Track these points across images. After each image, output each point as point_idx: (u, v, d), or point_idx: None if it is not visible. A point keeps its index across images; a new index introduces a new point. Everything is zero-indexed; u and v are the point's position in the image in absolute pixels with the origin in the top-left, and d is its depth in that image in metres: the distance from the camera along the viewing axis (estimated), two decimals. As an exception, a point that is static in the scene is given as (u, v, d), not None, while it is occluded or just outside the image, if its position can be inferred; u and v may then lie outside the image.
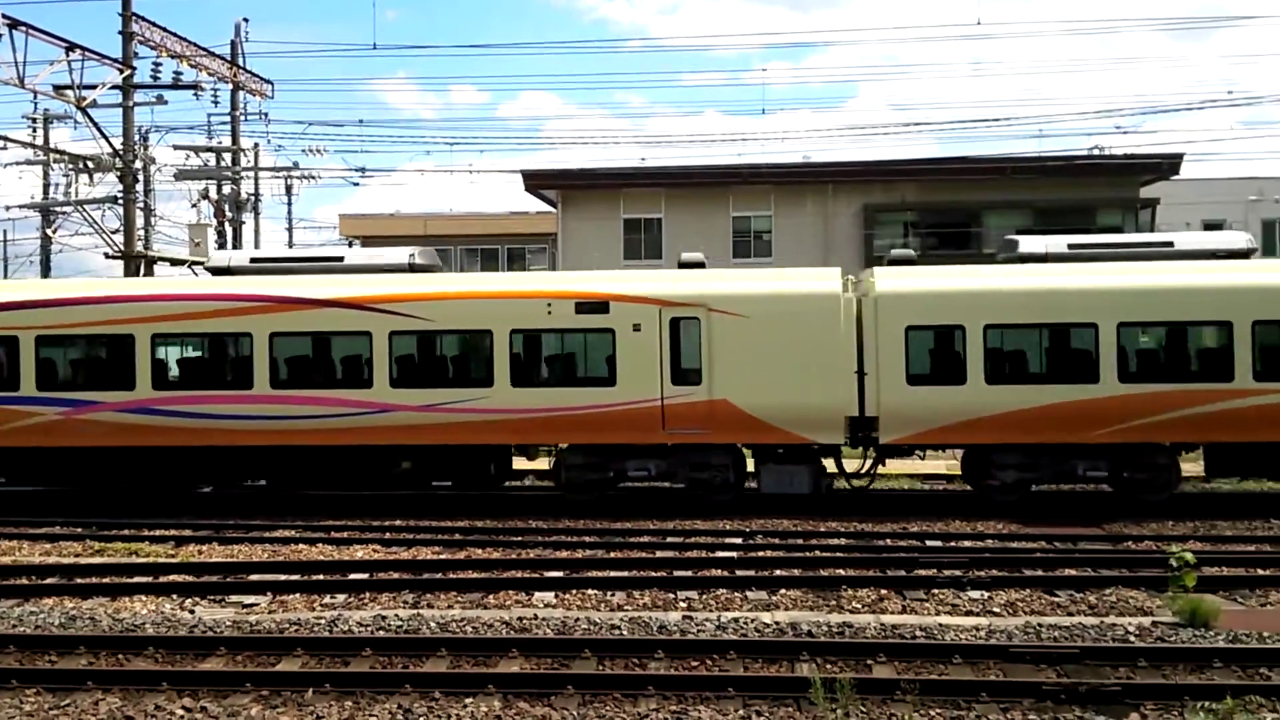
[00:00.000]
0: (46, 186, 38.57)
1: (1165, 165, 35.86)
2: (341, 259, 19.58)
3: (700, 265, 18.96)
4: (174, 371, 18.64)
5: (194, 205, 36.80)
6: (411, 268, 19.01)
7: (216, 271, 19.52)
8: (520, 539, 15.85)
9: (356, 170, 62.53)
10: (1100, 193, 36.08)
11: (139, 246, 31.00)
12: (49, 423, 18.36)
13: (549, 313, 17.82)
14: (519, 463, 20.36)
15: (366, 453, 18.33)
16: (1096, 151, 39.87)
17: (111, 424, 18.24)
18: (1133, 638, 10.46)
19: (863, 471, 18.66)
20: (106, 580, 13.59)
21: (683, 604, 12.11)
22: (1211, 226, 42.98)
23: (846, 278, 18.13)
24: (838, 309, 17.47)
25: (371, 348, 17.97)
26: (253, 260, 19.59)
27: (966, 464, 19.05)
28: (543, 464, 20.41)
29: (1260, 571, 13.28)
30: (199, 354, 18.76)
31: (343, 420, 17.90)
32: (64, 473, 18.99)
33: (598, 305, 17.77)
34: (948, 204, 36.36)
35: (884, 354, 17.34)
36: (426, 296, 18.08)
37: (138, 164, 31.13)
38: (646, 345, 17.59)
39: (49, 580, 13.64)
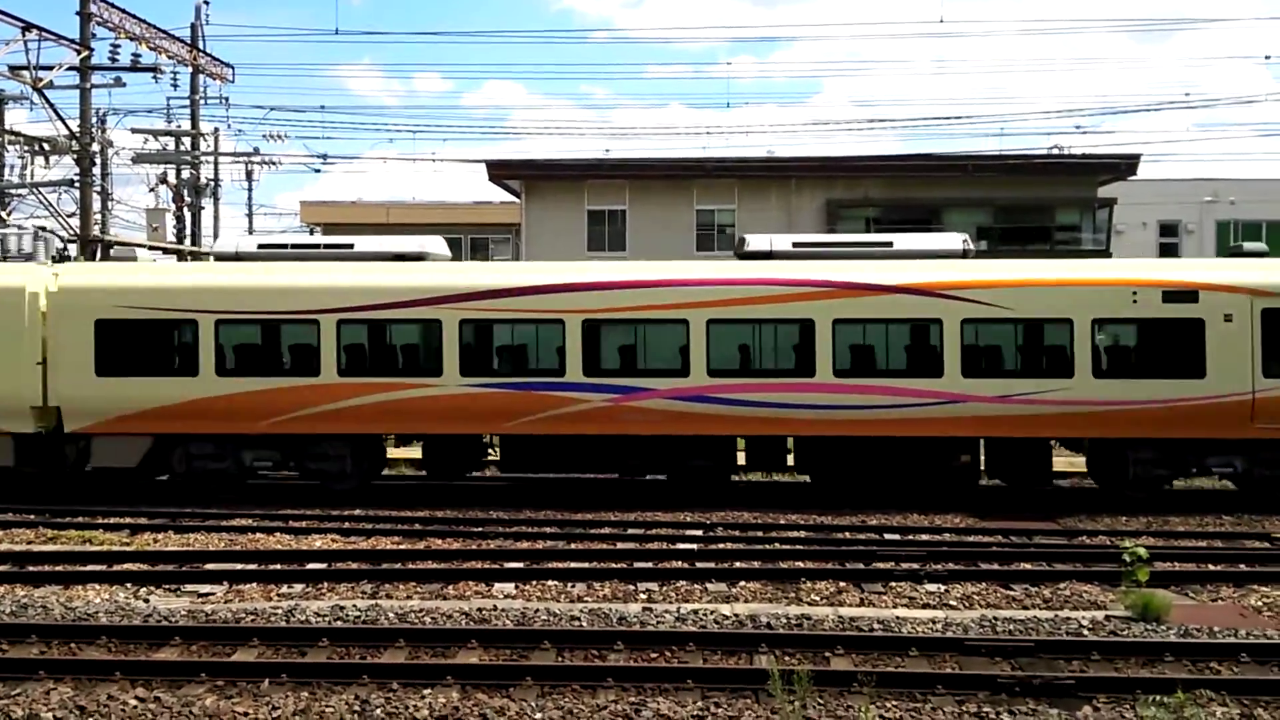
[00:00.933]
0: (0, 168, 37.90)
1: (1123, 165, 36.27)
2: (890, 244, 18.82)
3: (1263, 255, 18.67)
4: (728, 358, 17.74)
5: (152, 190, 36.37)
6: (965, 254, 18.52)
7: (751, 255, 18.71)
8: (480, 530, 15.81)
9: (318, 157, 61.76)
10: (1059, 191, 36.43)
11: (95, 231, 30.56)
12: (595, 410, 17.59)
13: (1134, 301, 17.32)
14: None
15: (925, 445, 17.74)
16: (1056, 151, 40.26)
17: (662, 412, 17.54)
18: (1086, 632, 10.61)
19: None
20: (59, 568, 13.43)
21: (643, 596, 12.14)
22: (1167, 227, 43.64)
23: None
24: None
25: (941, 334, 17.38)
26: (795, 245, 18.84)
27: None
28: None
29: (1211, 567, 13.51)
30: (753, 340, 17.80)
31: (908, 411, 17.28)
32: (601, 462, 18.37)
33: (1186, 294, 17.28)
34: (909, 200, 36.58)
35: None
36: (1003, 283, 17.49)
37: (95, 147, 30.64)
38: (1238, 336, 17.15)
39: (0, 568, 13.42)
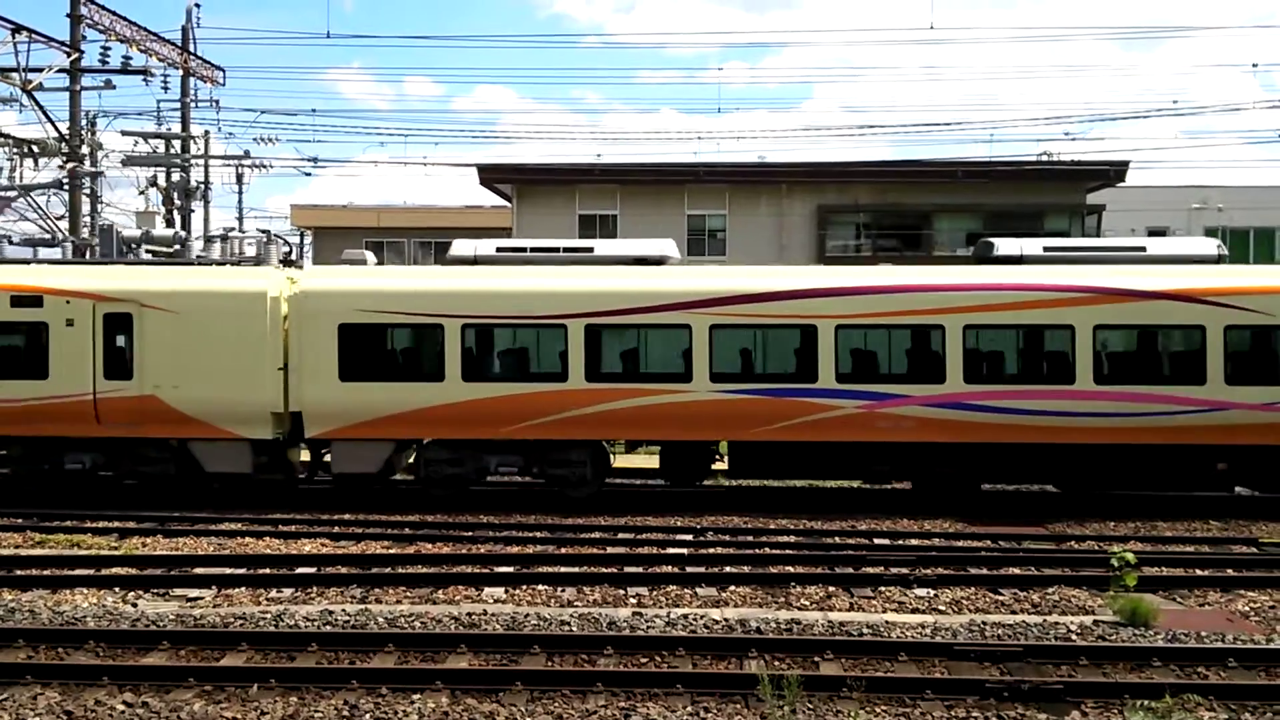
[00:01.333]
0: (-10, 170, 37.74)
1: (1111, 172, 36.50)
2: (1143, 249, 18.68)
3: None
4: (984, 364, 17.60)
5: (142, 192, 36.29)
6: (1219, 259, 18.48)
7: (998, 260, 18.55)
8: (471, 534, 15.79)
9: (309, 160, 61.55)
10: (1048, 198, 36.65)
11: (84, 234, 30.44)
12: (846, 417, 17.36)
13: None
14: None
15: (1184, 453, 17.56)
16: (1045, 157, 40.45)
17: (916, 419, 17.33)
18: (1074, 636, 10.65)
19: None
20: (47, 572, 13.38)
21: (633, 600, 12.14)
22: (1155, 233, 43.85)
23: None
24: None
25: (1204, 341, 17.37)
26: (1046, 249, 18.67)
27: None
28: None
29: (1199, 572, 13.58)
30: (1010, 346, 17.76)
31: (1169, 419, 17.22)
32: (841, 469, 18.19)
33: None
34: (899, 206, 36.77)
35: None
36: (1266, 290, 17.54)
37: (84, 149, 30.58)
38: None
39: (-13, 572, 13.37)
